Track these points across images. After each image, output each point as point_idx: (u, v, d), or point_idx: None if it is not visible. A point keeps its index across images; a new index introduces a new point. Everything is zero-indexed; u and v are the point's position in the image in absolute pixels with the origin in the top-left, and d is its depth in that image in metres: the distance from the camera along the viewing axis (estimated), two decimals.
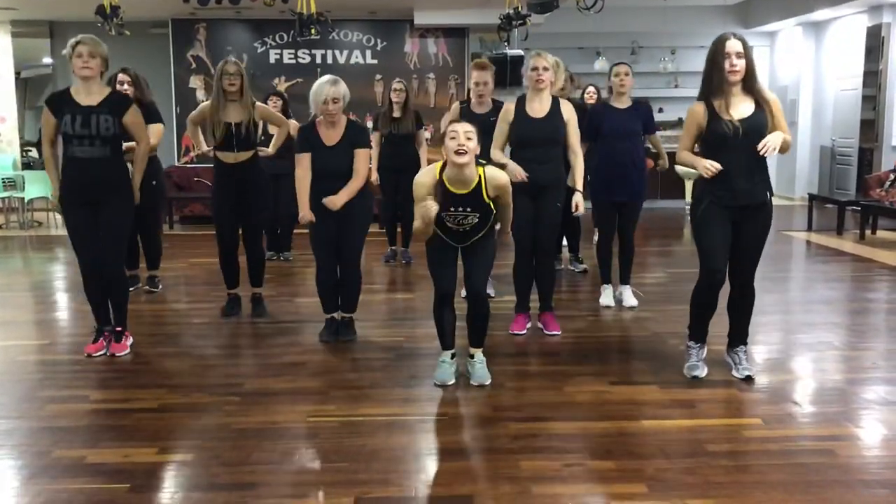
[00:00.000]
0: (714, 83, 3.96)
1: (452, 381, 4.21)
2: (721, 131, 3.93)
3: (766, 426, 3.67)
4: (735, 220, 4.07)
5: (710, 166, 3.90)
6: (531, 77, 4.89)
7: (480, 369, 4.26)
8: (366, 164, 4.83)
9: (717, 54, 3.92)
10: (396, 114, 7.36)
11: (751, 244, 4.11)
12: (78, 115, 4.43)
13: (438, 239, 4.17)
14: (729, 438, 3.55)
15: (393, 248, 7.82)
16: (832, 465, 3.25)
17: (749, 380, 4.22)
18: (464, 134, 3.87)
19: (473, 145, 3.89)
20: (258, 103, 5.52)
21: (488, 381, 4.21)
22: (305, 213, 4.79)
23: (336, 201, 4.68)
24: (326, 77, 4.79)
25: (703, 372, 4.27)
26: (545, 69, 4.85)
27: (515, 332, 5.16)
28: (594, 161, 5.75)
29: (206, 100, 5.43)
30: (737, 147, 3.93)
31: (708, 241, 4.13)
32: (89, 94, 4.50)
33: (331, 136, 4.79)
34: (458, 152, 3.87)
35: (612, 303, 5.90)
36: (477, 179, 3.98)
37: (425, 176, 4.04)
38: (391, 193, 7.49)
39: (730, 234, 4.09)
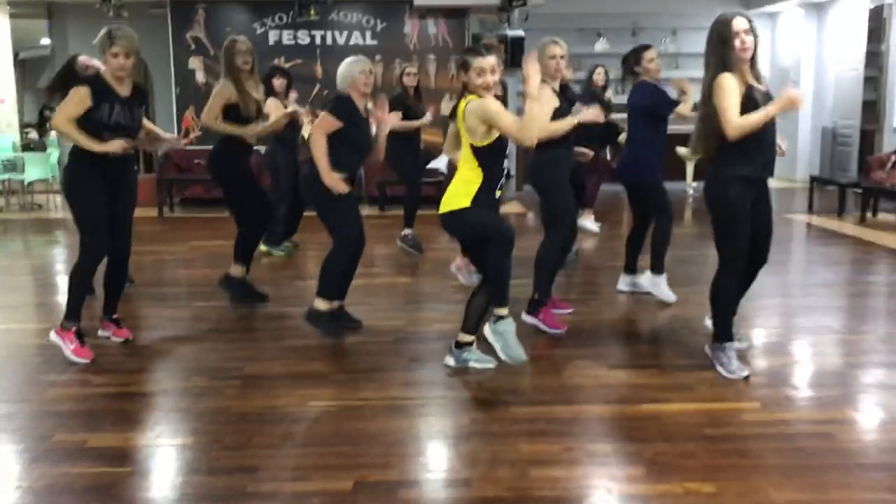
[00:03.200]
0: (728, 62, 3.83)
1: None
2: (755, 99, 3.83)
3: (765, 410, 3.68)
4: (755, 198, 3.98)
5: (794, 93, 3.75)
6: (551, 65, 4.72)
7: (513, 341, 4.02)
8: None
9: (725, 33, 3.81)
10: (411, 99, 7.23)
11: (768, 218, 4.06)
12: (121, 106, 4.35)
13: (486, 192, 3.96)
14: (728, 422, 3.56)
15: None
16: (830, 448, 3.26)
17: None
18: (490, 69, 3.80)
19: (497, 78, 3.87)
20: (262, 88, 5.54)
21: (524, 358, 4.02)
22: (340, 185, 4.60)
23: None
24: (354, 57, 4.82)
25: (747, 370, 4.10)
26: (562, 57, 4.79)
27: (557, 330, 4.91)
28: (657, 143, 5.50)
29: (206, 81, 5.39)
30: (769, 123, 3.86)
31: (741, 236, 3.95)
32: (122, 85, 4.40)
33: (362, 109, 4.80)
34: (486, 88, 3.81)
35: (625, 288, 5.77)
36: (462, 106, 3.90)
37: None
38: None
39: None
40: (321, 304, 4.67)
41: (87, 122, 4.28)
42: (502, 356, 4.00)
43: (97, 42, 4.35)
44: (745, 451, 3.26)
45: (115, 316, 4.77)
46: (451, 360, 4.20)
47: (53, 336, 4.46)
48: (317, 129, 4.61)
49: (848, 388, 3.95)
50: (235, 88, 5.19)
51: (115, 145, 4.28)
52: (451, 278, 6.06)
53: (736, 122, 3.78)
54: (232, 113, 5.20)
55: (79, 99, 4.28)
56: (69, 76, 4.87)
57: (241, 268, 5.46)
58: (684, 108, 5.42)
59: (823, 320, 5.15)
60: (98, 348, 4.58)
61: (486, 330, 4.11)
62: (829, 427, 3.46)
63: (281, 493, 2.93)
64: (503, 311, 4.02)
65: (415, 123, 6.98)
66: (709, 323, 4.33)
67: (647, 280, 5.57)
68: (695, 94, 5.31)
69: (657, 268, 5.51)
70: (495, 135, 3.84)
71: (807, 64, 12.80)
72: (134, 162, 4.69)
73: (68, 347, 4.39)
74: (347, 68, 4.71)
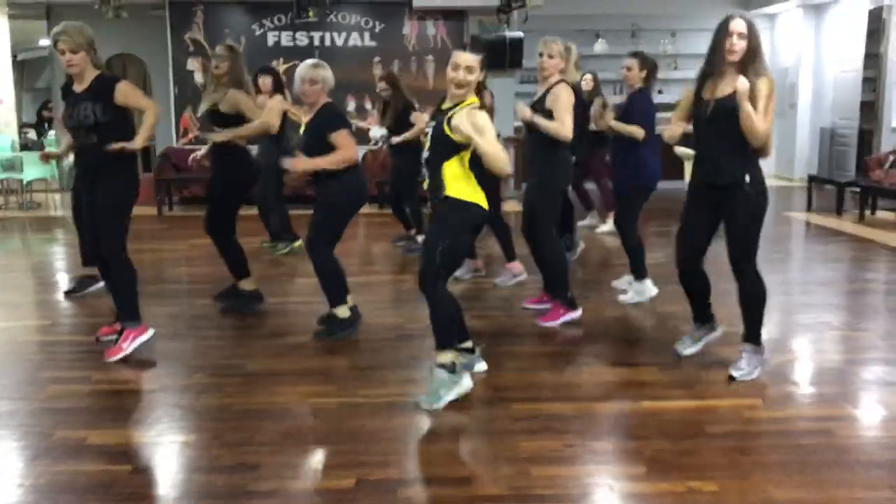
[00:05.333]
0: (712, 61, 3.91)
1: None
2: (696, 110, 3.96)
3: (765, 407, 3.68)
4: (717, 203, 3.99)
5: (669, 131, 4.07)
6: (538, 63, 4.86)
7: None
8: (345, 141, 4.52)
9: (719, 34, 3.85)
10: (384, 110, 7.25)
11: (729, 230, 3.99)
12: (69, 104, 4.40)
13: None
14: (728, 420, 3.56)
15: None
16: (830, 445, 3.27)
17: (730, 379, 3.99)
18: (464, 68, 3.67)
19: (473, 78, 3.70)
20: (232, 91, 5.19)
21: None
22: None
23: (296, 165, 4.45)
24: (309, 61, 4.68)
25: (685, 350, 4.29)
26: (550, 56, 4.79)
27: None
28: (644, 150, 5.44)
29: (204, 82, 5.39)
30: (709, 126, 3.90)
31: (681, 225, 4.16)
32: (80, 82, 4.39)
33: (307, 119, 4.68)
34: (457, 84, 3.69)
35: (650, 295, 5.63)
36: (452, 107, 3.71)
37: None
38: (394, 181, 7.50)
39: (706, 220, 4.04)
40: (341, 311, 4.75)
41: None
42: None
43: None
44: (745, 448, 3.26)
45: (117, 327, 4.53)
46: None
47: None
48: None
49: (847, 385, 3.96)
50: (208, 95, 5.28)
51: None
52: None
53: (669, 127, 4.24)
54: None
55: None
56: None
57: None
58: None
59: (823, 317, 5.15)
60: (97, 347, 4.58)
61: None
62: (828, 424, 3.47)
63: (282, 491, 2.93)
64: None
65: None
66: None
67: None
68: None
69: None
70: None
71: (806, 65, 12.81)
72: (103, 160, 4.32)
73: None
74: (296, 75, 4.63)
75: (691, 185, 4.12)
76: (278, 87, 7.14)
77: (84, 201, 4.55)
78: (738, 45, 3.81)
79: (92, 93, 4.31)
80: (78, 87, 4.38)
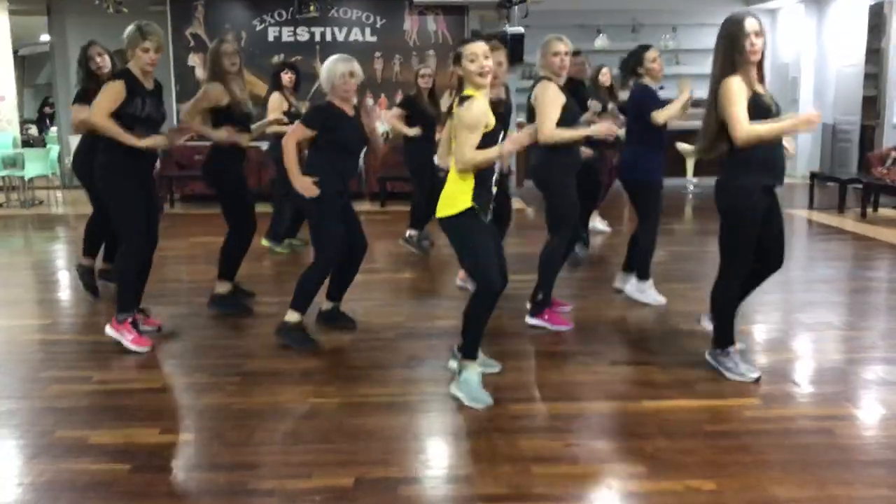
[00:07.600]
0: (735, 63, 3.75)
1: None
2: (766, 106, 3.78)
3: (766, 406, 3.68)
4: (767, 206, 3.97)
5: (813, 115, 3.80)
6: (554, 62, 4.67)
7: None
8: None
9: (737, 34, 3.73)
10: (424, 101, 7.09)
11: (780, 225, 4.12)
12: (148, 98, 4.47)
13: (479, 220, 3.69)
14: (728, 419, 3.56)
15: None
16: (831, 444, 3.26)
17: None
18: (482, 54, 3.58)
19: (493, 65, 3.67)
20: (212, 84, 5.12)
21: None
22: (308, 186, 4.47)
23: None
24: (338, 56, 4.57)
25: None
26: (566, 54, 4.74)
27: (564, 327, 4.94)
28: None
29: (205, 78, 5.25)
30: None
31: (750, 245, 3.99)
32: (147, 79, 4.52)
33: (348, 109, 4.58)
34: (481, 74, 3.59)
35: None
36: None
37: (482, 104, 3.60)
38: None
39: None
40: (292, 317, 4.59)
41: (117, 117, 4.37)
42: (467, 403, 3.70)
43: (126, 36, 4.40)
44: (745, 447, 3.26)
45: (141, 307, 4.85)
46: (453, 364, 4.00)
47: (109, 331, 4.56)
48: (288, 136, 4.51)
49: (848, 384, 3.95)
50: (222, 93, 5.03)
51: (156, 140, 4.49)
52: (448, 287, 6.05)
53: (746, 129, 3.70)
54: (223, 116, 5.05)
55: (114, 93, 4.37)
56: (90, 73, 5.41)
57: (226, 284, 5.36)
58: (672, 110, 5.22)
59: (824, 316, 5.15)
60: (98, 345, 4.59)
61: (451, 386, 3.84)
62: (829, 423, 3.47)
63: (281, 490, 2.93)
64: (467, 362, 3.81)
65: (406, 131, 6.92)
66: (707, 325, 4.31)
67: (632, 286, 5.51)
68: (693, 92, 5.30)
69: (643, 274, 5.47)
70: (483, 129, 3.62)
71: (807, 60, 12.79)
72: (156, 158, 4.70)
73: (127, 339, 4.51)
74: (327, 73, 4.50)
75: (761, 190, 3.93)
76: (298, 84, 7.15)
77: (142, 198, 4.57)
78: (759, 45, 3.73)
79: (159, 92, 4.65)
80: (147, 85, 4.52)
